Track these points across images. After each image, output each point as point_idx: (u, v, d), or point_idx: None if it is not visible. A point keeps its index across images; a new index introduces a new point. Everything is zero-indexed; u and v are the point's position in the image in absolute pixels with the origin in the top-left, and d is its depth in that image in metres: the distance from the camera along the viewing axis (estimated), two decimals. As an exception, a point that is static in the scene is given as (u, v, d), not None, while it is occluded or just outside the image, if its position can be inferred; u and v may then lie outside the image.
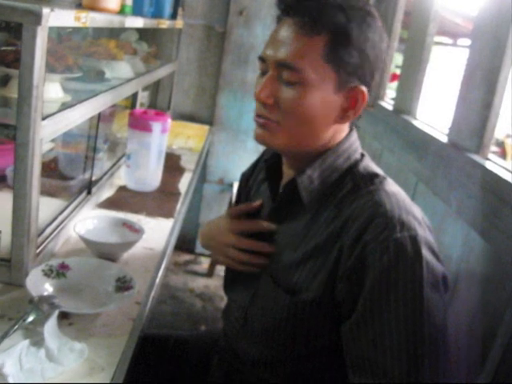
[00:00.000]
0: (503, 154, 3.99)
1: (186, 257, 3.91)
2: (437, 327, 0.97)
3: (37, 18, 1.11)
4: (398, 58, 3.47)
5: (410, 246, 0.98)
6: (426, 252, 0.98)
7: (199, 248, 3.95)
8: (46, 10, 1.13)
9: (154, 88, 3.44)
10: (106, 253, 1.52)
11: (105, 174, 2.12)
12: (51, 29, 1.19)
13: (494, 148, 1.64)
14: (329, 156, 1.15)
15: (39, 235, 1.40)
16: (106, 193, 2.06)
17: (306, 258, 1.12)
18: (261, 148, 1.30)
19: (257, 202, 1.31)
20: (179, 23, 3.30)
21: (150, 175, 2.15)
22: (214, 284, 3.62)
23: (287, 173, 1.24)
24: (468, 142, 1.73)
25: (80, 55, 1.95)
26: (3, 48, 1.68)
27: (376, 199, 1.06)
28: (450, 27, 5.82)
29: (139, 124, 2.07)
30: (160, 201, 2.10)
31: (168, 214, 1.97)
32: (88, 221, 1.64)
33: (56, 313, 1.14)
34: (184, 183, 2.39)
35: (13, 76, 1.50)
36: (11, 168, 1.77)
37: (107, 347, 1.15)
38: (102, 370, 1.07)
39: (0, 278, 1.30)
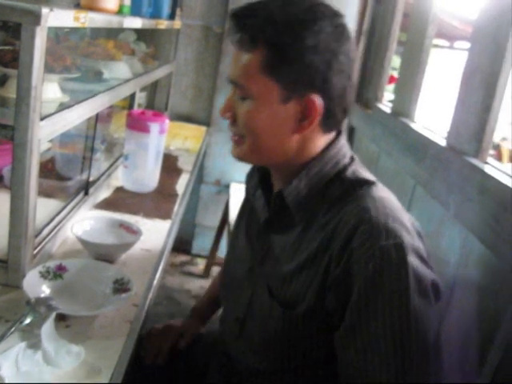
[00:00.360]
0: (499, 157, 3.98)
1: (183, 258, 3.90)
2: (425, 335, 0.97)
3: (36, 18, 1.11)
4: (395, 61, 3.47)
5: (395, 253, 0.97)
6: (412, 259, 0.98)
7: (195, 249, 3.94)
8: (45, 10, 1.12)
9: (152, 88, 3.43)
10: (103, 254, 1.51)
11: (102, 174, 2.11)
12: (49, 29, 1.18)
13: (490, 151, 1.65)
14: (314, 165, 1.15)
15: (36, 236, 1.39)
16: (104, 193, 2.05)
17: (299, 269, 1.12)
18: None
19: None
20: (177, 24, 3.30)
21: (148, 176, 2.15)
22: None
23: (276, 183, 1.24)
24: (467, 145, 1.73)
25: (78, 55, 1.94)
26: (1, 47, 1.68)
27: (362, 205, 1.05)
28: (447, 30, 5.82)
29: (137, 125, 2.06)
30: (157, 202, 2.09)
31: (165, 215, 1.97)
32: (85, 222, 1.64)
33: (53, 315, 1.13)
34: (181, 184, 2.38)
35: (11, 76, 1.49)
36: (8, 168, 1.76)
37: (104, 349, 1.14)
38: (100, 373, 1.07)
39: (-3, 279, 1.29)
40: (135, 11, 2.24)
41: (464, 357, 1.52)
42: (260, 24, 1.07)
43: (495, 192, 1.48)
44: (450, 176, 1.73)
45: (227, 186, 3.77)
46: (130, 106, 2.57)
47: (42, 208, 1.40)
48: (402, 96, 2.53)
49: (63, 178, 1.90)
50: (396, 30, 2.88)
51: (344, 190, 1.12)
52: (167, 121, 2.16)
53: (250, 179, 1.46)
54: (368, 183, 1.12)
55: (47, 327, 1.10)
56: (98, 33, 2.25)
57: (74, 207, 1.72)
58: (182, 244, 3.80)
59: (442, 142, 1.92)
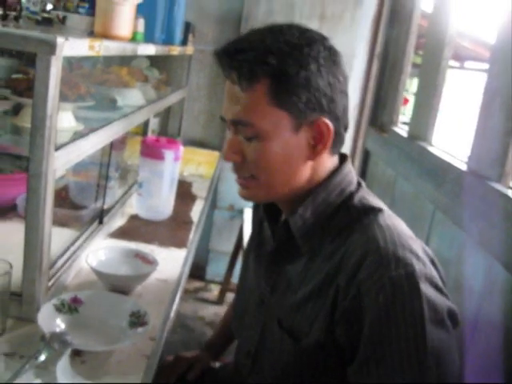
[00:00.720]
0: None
1: (196, 284, 3.86)
2: (445, 366, 0.93)
3: (51, 48, 1.09)
4: (407, 82, 3.45)
5: (407, 282, 0.94)
6: (425, 288, 0.94)
7: (209, 275, 3.91)
8: (60, 40, 1.10)
9: (165, 114, 3.42)
10: (118, 285, 1.48)
11: (116, 202, 2.09)
12: (64, 57, 1.16)
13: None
14: (320, 192, 1.12)
15: (51, 267, 1.37)
16: (118, 222, 2.03)
17: (304, 300, 1.09)
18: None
19: None
20: (190, 49, 3.30)
21: (163, 204, 2.12)
22: (224, 312, 3.55)
23: (284, 211, 1.22)
24: (489, 170, 1.70)
25: (92, 83, 1.93)
26: (15, 76, 1.67)
27: (369, 235, 1.03)
28: (457, 50, 5.82)
29: (151, 152, 2.05)
30: (172, 230, 2.07)
31: (181, 243, 1.94)
32: (100, 252, 1.61)
33: (68, 351, 1.10)
34: (196, 211, 2.36)
35: (25, 105, 1.48)
36: (22, 197, 1.75)
37: (122, 386, 1.11)
38: (117, 412, 1.04)
39: (11, 312, 1.25)
40: (148, 37, 2.23)
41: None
42: (258, 56, 1.03)
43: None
44: (472, 201, 1.69)
45: (241, 211, 3.74)
46: (144, 133, 2.56)
47: (56, 237, 1.37)
48: (418, 119, 2.51)
49: (77, 206, 1.88)
50: (410, 53, 2.87)
51: (350, 219, 1.09)
52: (181, 148, 2.14)
53: (256, 210, 1.44)
54: (375, 211, 1.09)
55: (62, 364, 1.07)
56: (111, 59, 2.25)
57: (88, 236, 1.70)
58: (195, 270, 3.76)
59: (463, 167, 1.89)
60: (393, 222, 1.07)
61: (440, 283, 0.99)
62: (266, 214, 1.26)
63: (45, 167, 1.16)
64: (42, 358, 1.10)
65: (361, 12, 3.41)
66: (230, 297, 3.60)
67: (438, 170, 2.03)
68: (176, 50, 2.70)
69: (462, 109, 5.32)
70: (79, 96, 1.60)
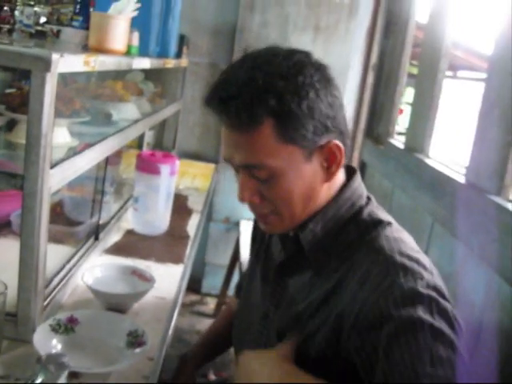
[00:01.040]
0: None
1: (192, 297, 3.83)
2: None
3: (46, 65, 1.08)
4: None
5: (416, 290, 0.92)
6: (433, 294, 0.92)
7: (205, 288, 3.88)
8: (55, 56, 1.09)
9: (160, 127, 3.41)
10: (115, 303, 1.46)
11: (112, 217, 2.06)
12: (59, 73, 1.15)
13: None
14: (331, 207, 1.11)
15: (46, 286, 1.34)
16: (114, 237, 2.01)
17: (306, 313, 1.08)
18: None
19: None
20: (184, 62, 3.29)
21: (159, 218, 2.10)
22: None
23: None
24: (488, 182, 1.68)
25: (87, 98, 1.91)
26: (9, 91, 1.65)
27: (376, 247, 1.02)
28: (450, 59, 5.82)
29: (147, 167, 2.03)
30: (169, 245, 2.04)
31: (177, 259, 1.92)
32: (96, 269, 1.58)
33: (65, 373, 1.07)
34: (192, 225, 2.34)
35: (19, 121, 1.46)
36: (17, 213, 1.72)
37: (120, 410, 1.09)
38: None
39: (6, 333, 1.23)
40: (143, 51, 2.22)
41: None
42: (255, 99, 1.00)
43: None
44: (471, 215, 1.68)
45: (237, 224, 3.72)
46: (139, 146, 2.54)
47: (52, 255, 1.35)
48: (415, 131, 2.50)
49: (73, 222, 1.85)
50: (406, 64, 2.86)
51: (359, 233, 1.08)
52: (177, 162, 2.12)
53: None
54: (383, 224, 1.08)
55: (59, 387, 1.04)
56: (105, 73, 2.23)
57: (84, 253, 1.68)
58: (191, 283, 3.71)
59: (461, 179, 1.87)
60: (400, 235, 1.06)
61: (447, 294, 0.97)
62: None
63: (40, 185, 1.14)
64: (38, 381, 1.07)
65: (355, 23, 3.41)
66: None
67: (436, 183, 2.02)
68: (171, 62, 2.69)
69: (457, 119, 5.33)
70: (74, 111, 1.59)
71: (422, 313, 0.90)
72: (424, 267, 0.97)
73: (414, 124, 2.57)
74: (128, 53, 1.97)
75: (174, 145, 3.55)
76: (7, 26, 1.94)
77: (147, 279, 1.59)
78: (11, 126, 1.51)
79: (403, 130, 3.47)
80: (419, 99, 2.53)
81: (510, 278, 1.44)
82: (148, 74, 2.78)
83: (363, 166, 3.16)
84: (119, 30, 1.68)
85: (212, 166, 3.66)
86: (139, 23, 2.08)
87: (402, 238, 1.05)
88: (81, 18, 1.88)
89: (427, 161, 2.23)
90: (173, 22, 2.70)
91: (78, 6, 1.89)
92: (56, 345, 1.23)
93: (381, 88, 3.20)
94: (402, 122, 3.70)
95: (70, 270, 1.54)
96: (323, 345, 1.02)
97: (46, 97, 1.10)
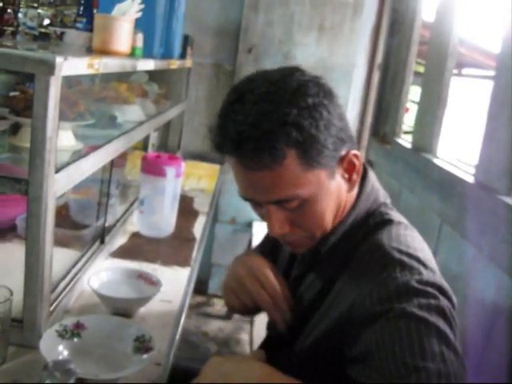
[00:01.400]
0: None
1: (199, 298, 3.82)
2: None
3: (50, 68, 1.06)
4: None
5: (413, 285, 0.91)
6: (431, 290, 0.91)
7: (212, 289, 3.87)
8: (59, 60, 1.07)
9: (165, 128, 3.39)
10: (122, 308, 1.45)
11: (118, 220, 2.05)
12: (63, 76, 1.13)
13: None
14: (350, 216, 1.11)
15: (52, 291, 1.33)
16: (119, 240, 1.99)
17: (312, 308, 1.10)
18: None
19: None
20: (188, 62, 3.27)
21: (165, 221, 2.09)
22: (229, 327, 3.52)
23: None
24: (497, 182, 1.66)
25: (91, 100, 1.90)
26: (13, 94, 1.64)
27: (376, 242, 1.03)
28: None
29: (152, 169, 2.01)
30: (175, 248, 2.03)
31: (184, 262, 1.90)
32: (102, 273, 1.57)
33: (72, 380, 1.06)
34: (198, 227, 2.32)
35: (23, 125, 1.45)
36: (22, 217, 1.71)
37: (128, 417, 1.07)
38: None
39: (12, 339, 1.21)
40: (147, 52, 2.20)
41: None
42: (276, 136, 0.97)
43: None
44: (481, 215, 1.66)
45: (245, 225, 3.70)
46: (144, 147, 2.53)
47: (58, 259, 1.33)
48: (422, 130, 2.48)
49: (78, 225, 1.84)
50: (412, 62, 2.84)
51: (367, 232, 1.08)
52: (183, 164, 2.11)
53: None
54: (392, 223, 1.08)
55: (66, 394, 1.03)
56: (110, 75, 2.22)
57: (90, 257, 1.67)
58: (198, 284, 3.68)
59: (470, 179, 1.85)
60: (407, 233, 1.06)
61: (450, 294, 0.95)
62: None
63: (45, 190, 1.13)
64: (45, 388, 1.06)
65: (360, 22, 3.39)
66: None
67: (445, 183, 2.00)
68: (175, 63, 2.68)
69: (462, 117, 5.30)
70: (78, 114, 1.57)
71: (416, 308, 0.89)
72: (424, 265, 0.96)
73: (421, 123, 2.55)
74: (132, 54, 1.96)
75: (179, 146, 3.53)
76: (11, 29, 1.94)
77: (153, 283, 1.57)
78: (15, 129, 1.49)
79: (409, 129, 3.45)
80: (426, 98, 2.51)
81: (520, 279, 1.42)
82: (152, 75, 2.76)
83: (370, 166, 3.14)
84: (123, 31, 1.67)
85: (217, 166, 3.64)
86: (143, 24, 2.07)
87: (407, 236, 1.04)
88: (84, 20, 1.87)
89: (435, 160, 2.22)
90: (177, 23, 2.68)
91: (82, 8, 1.88)
92: (62, 351, 1.22)
93: (386, 87, 3.18)
94: (408, 120, 3.68)
95: (76, 274, 1.53)
96: (320, 335, 1.04)
97: (50, 100, 1.08)
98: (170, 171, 2.00)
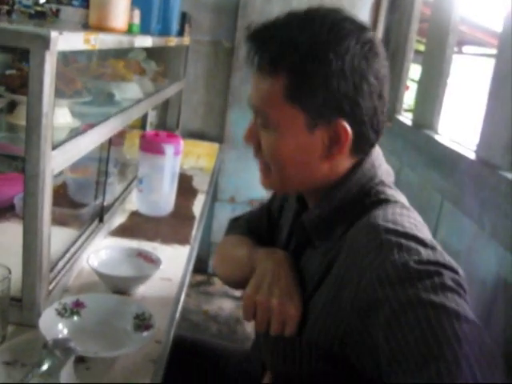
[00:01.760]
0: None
1: (199, 277, 3.82)
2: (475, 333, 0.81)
3: (45, 43, 1.04)
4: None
5: (411, 266, 0.85)
6: (432, 268, 0.86)
7: (212, 268, 3.86)
8: (54, 34, 1.05)
9: (163, 106, 3.37)
10: (121, 286, 1.44)
11: (116, 199, 2.04)
12: (59, 52, 1.11)
13: None
14: (338, 190, 1.06)
15: (51, 270, 1.32)
16: (118, 219, 1.98)
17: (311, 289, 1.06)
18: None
19: None
20: (186, 40, 3.24)
21: (164, 199, 2.08)
22: (229, 305, 3.53)
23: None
24: (499, 158, 1.65)
25: (88, 77, 1.88)
26: (8, 72, 1.62)
27: (371, 223, 0.96)
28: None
29: (151, 147, 2.00)
30: (174, 226, 2.02)
31: (184, 240, 1.89)
32: (101, 252, 1.56)
33: (72, 358, 1.06)
34: (198, 206, 2.31)
35: (20, 102, 1.43)
36: (19, 196, 1.70)
37: (128, 394, 1.07)
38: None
39: (11, 318, 1.21)
40: (144, 29, 2.18)
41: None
42: (280, 48, 0.99)
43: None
44: (482, 191, 1.65)
45: (244, 204, 3.70)
46: (142, 126, 2.51)
47: (56, 238, 1.33)
48: (423, 107, 2.46)
49: (76, 204, 1.83)
50: (413, 39, 2.82)
51: (362, 211, 1.02)
52: (182, 142, 2.09)
53: (273, 201, 1.42)
54: (389, 202, 1.02)
55: (66, 372, 1.03)
56: (107, 52, 2.19)
57: (89, 236, 1.66)
58: (197, 263, 3.67)
59: (471, 155, 1.84)
60: (401, 211, 0.99)
61: (455, 267, 0.92)
62: (299, 204, 1.21)
63: (42, 168, 1.11)
64: (45, 366, 1.05)
65: (360, -2, 3.35)
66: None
67: (446, 160, 1.99)
68: (173, 41, 2.64)
69: (464, 94, 5.27)
70: (75, 91, 1.55)
71: (419, 290, 0.83)
72: (423, 243, 0.90)
73: (422, 100, 2.53)
74: (129, 31, 1.93)
75: (177, 124, 3.51)
76: (6, 7, 1.90)
77: (153, 261, 1.57)
78: (12, 107, 1.48)
79: (408, 107, 3.42)
80: (427, 75, 2.49)
81: (522, 255, 1.41)
82: (150, 52, 2.73)
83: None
84: (120, 7, 1.64)
85: (216, 145, 3.63)
86: (140, 1, 2.04)
87: (403, 215, 0.98)
88: (80, -4, 1.84)
89: (436, 137, 2.20)
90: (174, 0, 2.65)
91: (78, -15, 1.85)
92: (62, 329, 1.21)
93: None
94: (408, 99, 3.65)
95: (75, 253, 1.52)
96: (318, 328, 0.99)
97: (46, 76, 1.06)
98: (169, 149, 1.99)
